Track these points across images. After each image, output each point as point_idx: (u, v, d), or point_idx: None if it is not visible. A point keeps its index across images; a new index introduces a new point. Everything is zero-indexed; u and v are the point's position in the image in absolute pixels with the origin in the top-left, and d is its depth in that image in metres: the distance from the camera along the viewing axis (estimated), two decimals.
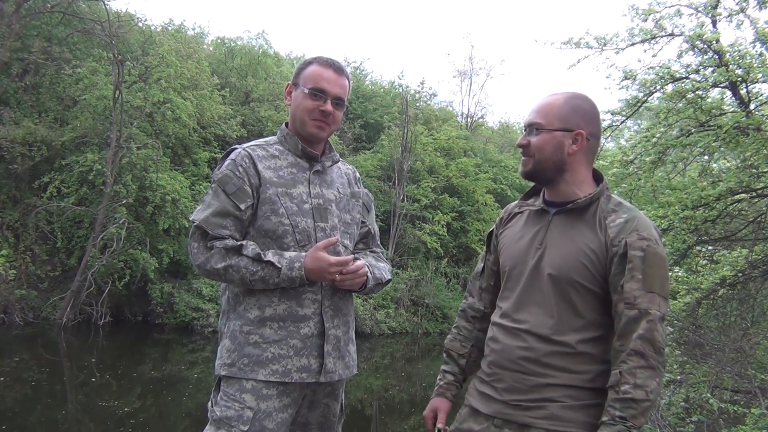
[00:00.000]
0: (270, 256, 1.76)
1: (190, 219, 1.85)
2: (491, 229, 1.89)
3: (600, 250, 1.55)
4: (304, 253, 1.79)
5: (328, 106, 1.88)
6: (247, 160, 1.85)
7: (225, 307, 1.89)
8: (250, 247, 1.77)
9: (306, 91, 1.87)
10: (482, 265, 1.90)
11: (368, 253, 2.06)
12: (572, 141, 1.62)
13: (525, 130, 1.68)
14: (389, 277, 2.01)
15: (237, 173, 1.82)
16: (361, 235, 2.05)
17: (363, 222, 2.06)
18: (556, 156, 1.63)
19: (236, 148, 1.91)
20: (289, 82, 1.95)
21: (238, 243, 1.78)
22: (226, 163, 1.86)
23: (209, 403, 1.83)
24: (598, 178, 1.70)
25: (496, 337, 1.69)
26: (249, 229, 1.84)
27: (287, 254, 1.78)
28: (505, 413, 1.61)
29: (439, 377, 1.90)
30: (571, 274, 1.56)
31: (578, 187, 1.65)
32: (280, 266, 1.75)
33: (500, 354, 1.66)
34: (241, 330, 1.80)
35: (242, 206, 1.80)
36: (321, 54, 1.96)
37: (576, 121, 1.63)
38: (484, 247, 1.91)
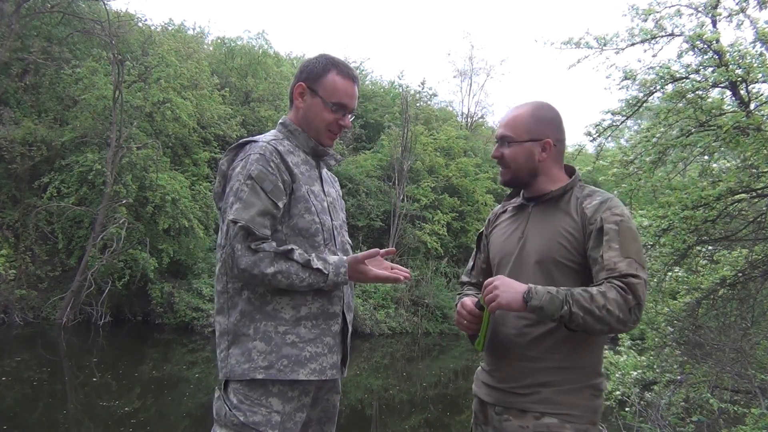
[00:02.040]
0: (317, 262, 1.75)
1: (231, 219, 1.71)
2: (481, 230, 2.05)
3: (577, 230, 1.70)
4: (344, 258, 1.80)
5: (348, 122, 1.90)
6: (276, 156, 1.78)
7: (245, 307, 1.77)
8: (297, 252, 1.73)
9: (331, 107, 1.85)
10: (472, 263, 2.07)
11: None
12: (541, 149, 1.79)
13: (497, 142, 1.84)
14: None
15: (270, 169, 1.75)
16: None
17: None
18: (529, 164, 1.79)
19: (257, 141, 1.83)
20: (302, 82, 1.88)
21: (288, 247, 1.73)
22: (256, 158, 1.76)
23: (220, 406, 1.77)
24: (570, 171, 1.86)
25: (494, 329, 1.80)
26: (279, 227, 1.78)
27: (331, 259, 1.78)
28: (504, 401, 1.73)
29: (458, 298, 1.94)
30: (553, 254, 1.70)
31: (552, 184, 1.81)
32: (327, 273, 1.74)
33: (496, 344, 1.78)
34: (276, 330, 1.75)
35: (279, 204, 1.75)
36: (323, 52, 1.93)
37: (543, 131, 1.79)
38: (475, 247, 2.07)
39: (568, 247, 1.69)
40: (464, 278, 2.08)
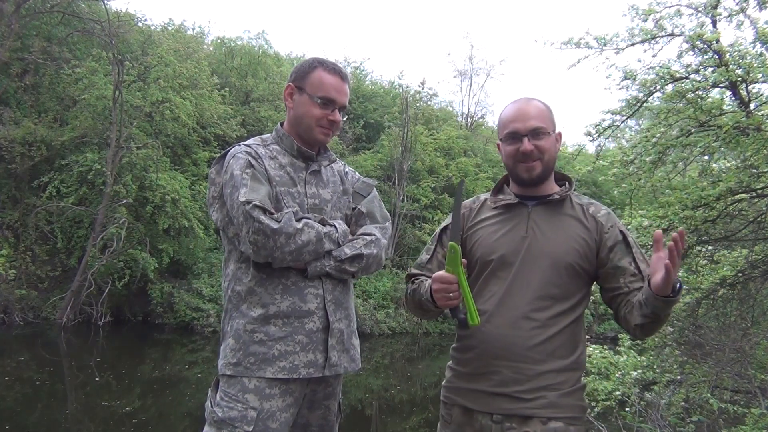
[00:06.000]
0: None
1: (244, 200, 1.72)
2: (444, 224, 1.89)
3: (590, 238, 1.72)
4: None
5: (337, 116, 1.89)
6: (255, 157, 1.85)
7: (227, 305, 1.87)
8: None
9: (317, 100, 1.87)
10: (429, 257, 1.88)
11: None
12: (556, 141, 1.80)
13: (526, 137, 1.72)
14: (362, 251, 1.88)
15: (257, 164, 1.83)
16: (354, 218, 2.00)
17: (353, 209, 2.01)
18: (555, 156, 1.79)
19: (239, 145, 1.90)
20: (290, 83, 1.92)
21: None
22: (241, 156, 1.82)
23: (207, 404, 1.81)
24: (561, 176, 1.85)
25: (486, 329, 1.68)
26: None
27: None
28: (505, 408, 1.64)
29: (417, 289, 1.81)
30: (568, 259, 1.69)
31: (551, 185, 1.81)
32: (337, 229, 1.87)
33: (493, 345, 1.67)
34: (245, 328, 1.79)
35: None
36: (321, 54, 1.96)
37: (555, 123, 1.81)
38: (435, 241, 1.89)
39: (581, 253, 1.71)
40: (415, 271, 1.90)
